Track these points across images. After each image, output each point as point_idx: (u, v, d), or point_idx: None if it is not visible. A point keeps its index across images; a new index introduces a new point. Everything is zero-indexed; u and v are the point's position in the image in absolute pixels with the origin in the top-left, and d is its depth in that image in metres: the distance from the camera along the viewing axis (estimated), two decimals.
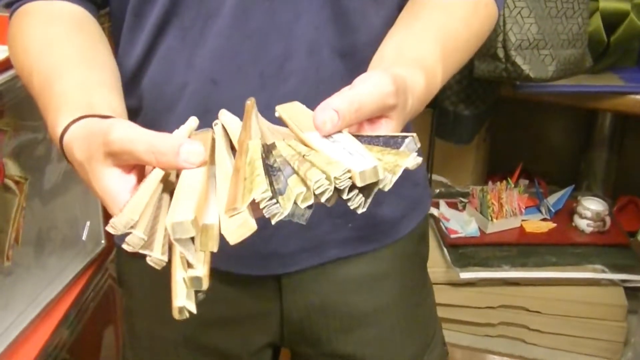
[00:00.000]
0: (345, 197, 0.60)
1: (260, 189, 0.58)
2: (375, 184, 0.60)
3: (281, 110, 0.74)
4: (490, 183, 1.88)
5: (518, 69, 1.62)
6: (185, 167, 0.64)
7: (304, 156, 0.63)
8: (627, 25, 1.82)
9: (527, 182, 2.19)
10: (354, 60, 0.92)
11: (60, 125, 0.76)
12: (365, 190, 0.61)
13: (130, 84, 0.94)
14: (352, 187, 0.60)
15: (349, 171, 0.59)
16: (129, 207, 0.63)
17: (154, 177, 0.66)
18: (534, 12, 1.58)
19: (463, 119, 1.90)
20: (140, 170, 0.69)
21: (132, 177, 0.68)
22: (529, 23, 1.57)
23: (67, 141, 0.74)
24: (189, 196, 0.60)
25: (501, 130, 2.33)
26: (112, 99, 0.81)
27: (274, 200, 0.58)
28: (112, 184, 0.68)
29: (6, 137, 1.23)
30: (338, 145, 0.64)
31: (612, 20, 1.84)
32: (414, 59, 0.82)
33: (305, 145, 0.65)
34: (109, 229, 0.62)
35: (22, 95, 1.16)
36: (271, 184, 0.60)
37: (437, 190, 2.04)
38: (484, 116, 1.96)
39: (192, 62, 0.91)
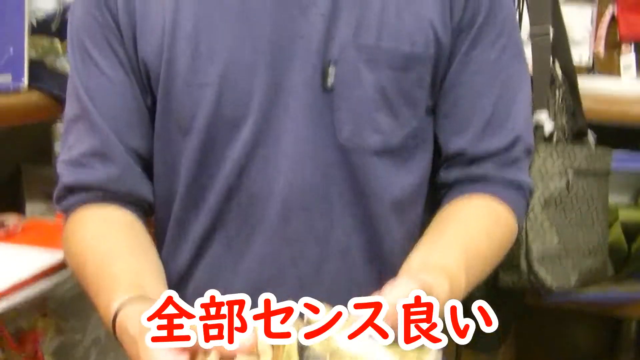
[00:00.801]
0: None
1: None
2: None
3: None
4: None
5: (541, 280, 1.63)
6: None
7: (334, 351, 0.68)
8: None
9: None
10: (382, 265, 0.98)
11: (114, 302, 0.82)
12: None
13: (175, 289, 1.00)
14: None
15: None
16: None
17: None
18: (555, 224, 1.62)
19: None
20: (191, 356, 0.73)
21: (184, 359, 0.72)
22: (550, 235, 1.61)
23: (122, 317, 0.79)
24: None
25: (527, 337, 2.32)
26: (160, 287, 0.88)
27: None
28: None
29: (48, 337, 1.27)
30: (363, 345, 0.69)
31: (632, 230, 1.88)
32: (440, 267, 0.87)
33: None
34: None
35: (65, 298, 1.22)
36: None
37: None
38: (509, 324, 1.97)
39: (237, 268, 0.96)
